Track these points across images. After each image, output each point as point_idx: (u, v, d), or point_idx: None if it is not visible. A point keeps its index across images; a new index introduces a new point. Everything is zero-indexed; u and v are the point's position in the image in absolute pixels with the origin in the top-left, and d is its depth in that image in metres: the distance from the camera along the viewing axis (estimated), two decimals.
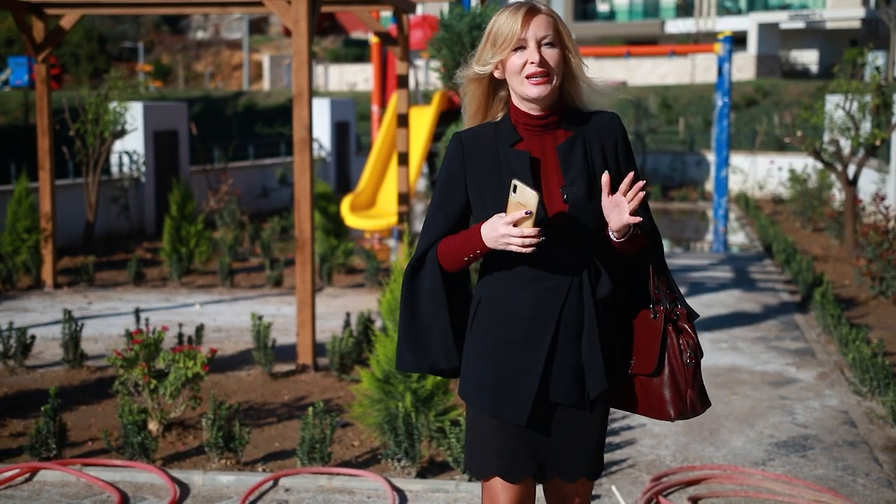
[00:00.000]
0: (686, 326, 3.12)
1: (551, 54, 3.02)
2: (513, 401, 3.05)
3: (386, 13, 14.94)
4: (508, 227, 2.86)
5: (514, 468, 3.12)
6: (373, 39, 16.12)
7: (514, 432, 3.09)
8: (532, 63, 3.00)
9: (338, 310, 10.32)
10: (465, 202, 3.12)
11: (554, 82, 3.03)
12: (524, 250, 2.89)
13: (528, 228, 2.85)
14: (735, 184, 23.95)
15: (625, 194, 2.92)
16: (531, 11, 3.02)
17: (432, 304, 3.14)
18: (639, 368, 3.13)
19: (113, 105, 14.10)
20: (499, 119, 3.16)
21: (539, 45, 3.01)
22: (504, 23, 3.02)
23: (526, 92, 3.03)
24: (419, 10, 16.41)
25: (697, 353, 3.11)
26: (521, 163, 3.03)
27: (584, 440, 3.14)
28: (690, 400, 3.10)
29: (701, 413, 3.15)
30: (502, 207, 2.97)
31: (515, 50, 3.02)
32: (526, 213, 2.83)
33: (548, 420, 3.10)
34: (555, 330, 3.02)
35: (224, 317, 10.03)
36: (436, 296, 3.13)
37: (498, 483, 3.14)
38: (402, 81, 11.13)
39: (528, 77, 3.02)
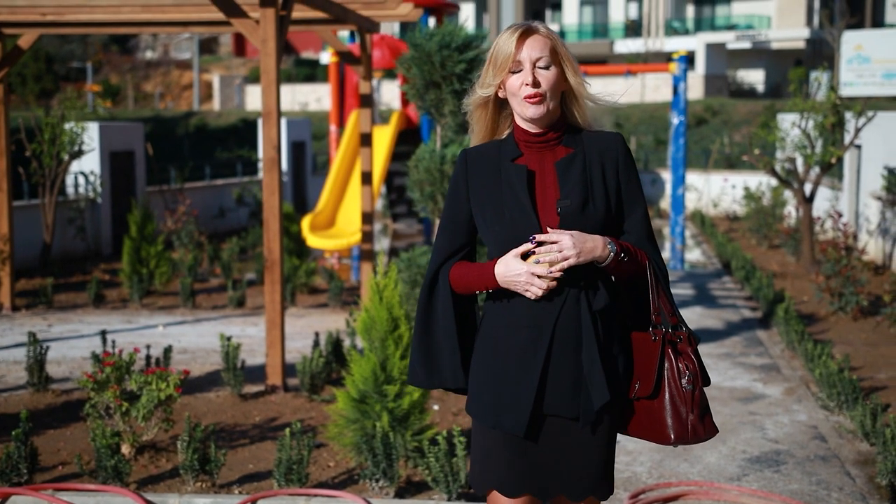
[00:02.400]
0: (687, 350, 3.14)
1: (546, 75, 3.10)
2: (511, 412, 3.09)
3: (342, 33, 14.88)
4: (529, 276, 3.01)
5: (512, 482, 3.16)
6: (331, 59, 16.06)
7: (515, 447, 3.13)
8: (527, 84, 3.09)
9: (303, 330, 10.27)
10: (470, 216, 3.22)
11: (549, 102, 3.12)
12: (538, 296, 3.03)
13: (551, 279, 3.02)
14: (689, 202, 24.18)
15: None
16: (526, 33, 3.12)
17: (444, 324, 3.23)
18: (640, 391, 3.15)
19: (70, 125, 13.93)
20: (504, 137, 3.25)
21: (534, 66, 3.10)
22: (502, 45, 3.13)
23: (523, 112, 3.13)
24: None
25: (698, 377, 3.13)
26: (519, 176, 3.13)
27: (589, 457, 3.15)
28: (692, 425, 3.10)
29: (704, 439, 3.14)
30: (501, 219, 3.11)
31: (513, 72, 3.12)
32: (551, 269, 3.00)
33: (550, 435, 3.13)
34: (550, 340, 3.06)
35: (188, 338, 9.94)
36: (447, 317, 3.22)
37: (497, 496, 3.20)
38: (366, 101, 11.12)
39: (524, 98, 3.10)
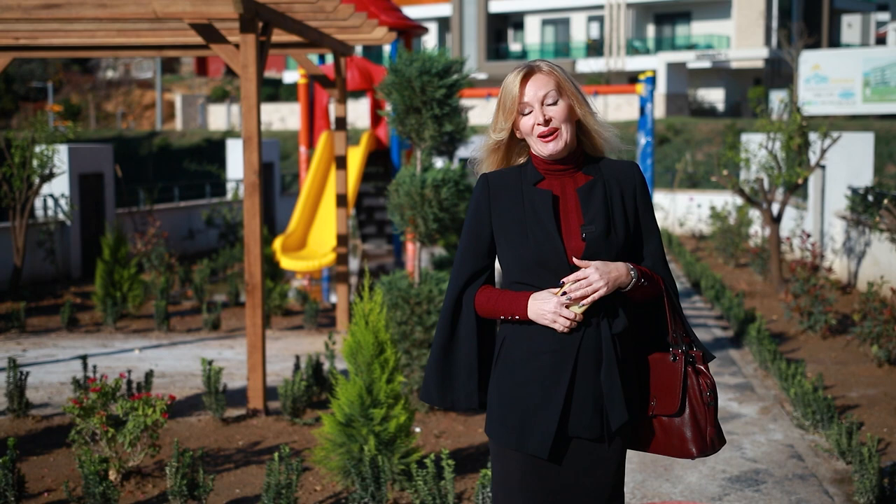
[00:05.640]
0: (703, 368, 3.28)
1: (556, 110, 3.22)
2: (535, 434, 3.19)
3: (311, 54, 14.89)
4: (562, 309, 3.11)
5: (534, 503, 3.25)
6: (301, 80, 16.11)
7: (536, 468, 3.22)
8: (538, 125, 3.21)
9: (279, 352, 10.28)
10: (491, 238, 3.32)
11: (565, 136, 3.23)
12: (565, 330, 3.14)
13: (578, 312, 3.14)
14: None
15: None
16: (528, 74, 3.24)
17: (466, 348, 3.33)
18: (660, 409, 3.28)
19: (41, 148, 13.87)
20: (522, 162, 3.36)
21: (542, 104, 3.21)
22: (507, 89, 3.24)
23: (540, 151, 3.26)
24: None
25: (716, 393, 3.28)
26: (544, 201, 3.23)
27: (604, 475, 3.25)
28: (710, 438, 3.26)
29: (719, 450, 3.30)
30: (525, 241, 3.20)
31: (523, 114, 3.24)
32: (582, 303, 3.13)
33: (569, 456, 3.22)
34: (574, 364, 3.17)
35: (165, 362, 9.92)
36: (470, 341, 3.32)
37: None
38: (340, 123, 11.18)
39: (538, 137, 3.22)
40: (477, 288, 3.34)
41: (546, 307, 3.13)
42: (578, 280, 3.10)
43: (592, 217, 3.21)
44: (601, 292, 3.10)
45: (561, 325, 3.13)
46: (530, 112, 3.22)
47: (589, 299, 3.11)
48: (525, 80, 3.22)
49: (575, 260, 3.14)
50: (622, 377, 3.20)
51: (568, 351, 3.16)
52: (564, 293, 3.12)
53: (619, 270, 3.15)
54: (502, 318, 3.27)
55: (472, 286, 3.35)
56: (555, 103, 3.21)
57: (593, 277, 3.10)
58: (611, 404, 3.17)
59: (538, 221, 3.20)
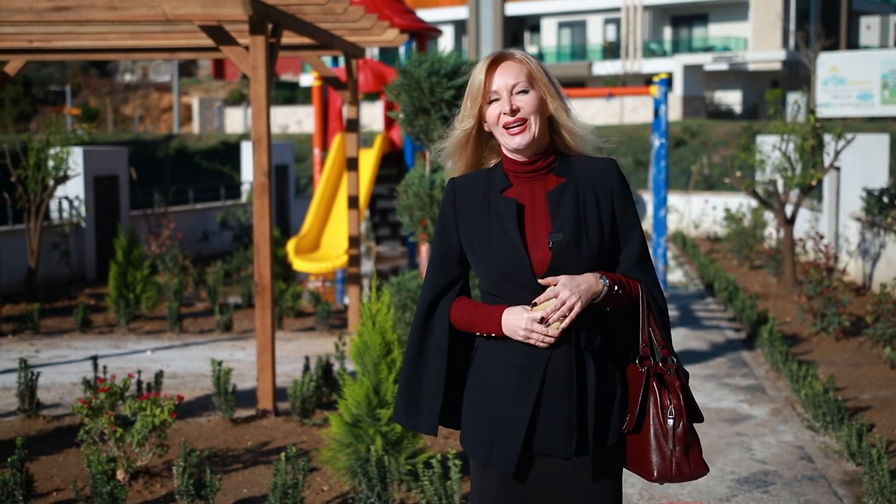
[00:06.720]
0: (674, 383, 3.01)
1: (525, 100, 2.99)
2: (501, 450, 3.00)
3: (324, 57, 14.93)
4: (535, 324, 2.91)
5: None
6: (314, 82, 16.14)
7: (508, 486, 3.04)
8: (505, 114, 2.99)
9: (291, 353, 10.30)
10: (461, 248, 3.13)
11: (534, 128, 3.01)
12: (541, 345, 2.95)
13: (554, 329, 2.94)
14: (671, 223, 24.29)
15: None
16: (498, 60, 3.02)
17: (434, 366, 3.14)
18: (627, 425, 3.04)
19: (55, 150, 13.94)
20: (492, 165, 3.16)
21: (511, 93, 3.00)
22: (476, 75, 3.03)
23: (506, 142, 3.03)
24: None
25: (683, 412, 2.99)
26: (508, 210, 3.01)
27: (589, 494, 3.03)
28: (675, 462, 2.97)
29: (691, 478, 3.00)
30: (489, 253, 3.01)
31: (491, 102, 3.03)
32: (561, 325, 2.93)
33: (545, 475, 3.03)
34: (541, 381, 2.96)
35: (177, 363, 9.96)
36: (439, 359, 3.13)
37: None
38: (352, 125, 11.19)
39: (505, 127, 3.01)
40: (451, 300, 3.14)
41: (518, 324, 2.93)
42: (548, 298, 2.91)
43: (561, 224, 2.98)
44: (577, 308, 2.89)
45: (535, 341, 2.93)
46: (497, 100, 3.01)
47: (567, 320, 2.91)
48: (494, 66, 3.01)
49: (540, 281, 2.95)
50: (600, 396, 2.99)
51: (536, 367, 2.96)
52: (543, 318, 2.91)
53: (588, 282, 2.93)
54: (479, 333, 3.07)
55: (445, 299, 3.14)
56: (525, 92, 2.99)
57: (564, 295, 2.89)
58: (585, 426, 2.97)
59: (503, 232, 2.99)
